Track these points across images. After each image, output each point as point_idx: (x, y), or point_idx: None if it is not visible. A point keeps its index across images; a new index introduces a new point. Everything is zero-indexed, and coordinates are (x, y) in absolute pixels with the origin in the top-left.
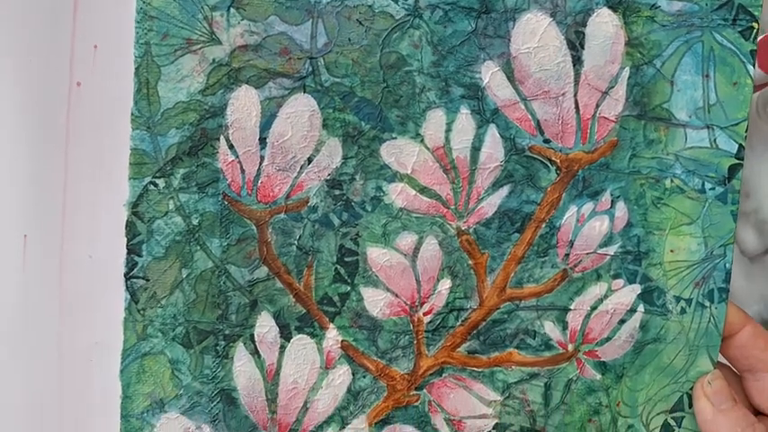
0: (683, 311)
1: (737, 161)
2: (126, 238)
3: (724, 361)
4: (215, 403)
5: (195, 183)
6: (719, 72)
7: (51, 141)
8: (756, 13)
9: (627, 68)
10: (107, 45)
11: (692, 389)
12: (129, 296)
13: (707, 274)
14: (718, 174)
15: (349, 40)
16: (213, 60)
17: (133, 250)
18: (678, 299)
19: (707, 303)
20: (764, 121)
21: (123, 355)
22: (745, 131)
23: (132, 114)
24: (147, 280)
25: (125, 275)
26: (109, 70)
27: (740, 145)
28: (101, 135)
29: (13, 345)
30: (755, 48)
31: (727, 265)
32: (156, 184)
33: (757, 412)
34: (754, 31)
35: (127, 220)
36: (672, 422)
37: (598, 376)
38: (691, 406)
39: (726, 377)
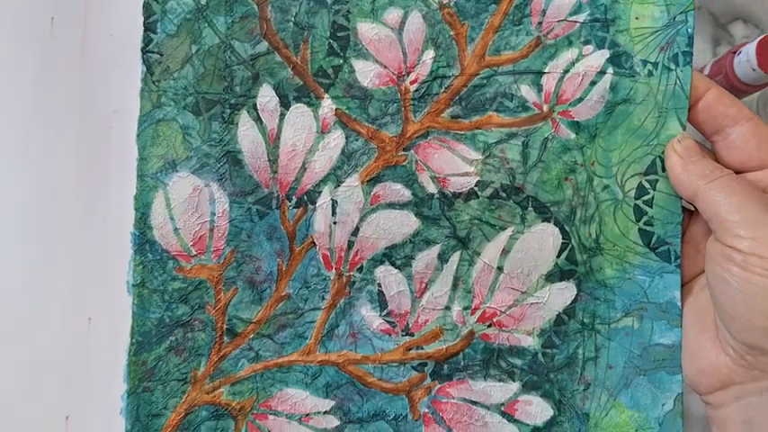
0: (650, 74)
1: None
2: (143, 17)
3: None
4: (222, 164)
5: None
6: None
7: None
8: None
9: None
10: None
11: (663, 152)
12: (145, 69)
13: (671, 39)
14: None
15: None
16: None
17: (149, 28)
18: (645, 62)
19: (672, 66)
20: (765, 121)
21: (139, 122)
22: None
23: None
24: (161, 54)
25: (142, 50)
26: None
27: None
28: None
29: (38, 110)
30: None
31: (689, 30)
32: None
33: None
34: None
35: (144, 1)
36: (646, 184)
37: (572, 135)
38: (664, 170)
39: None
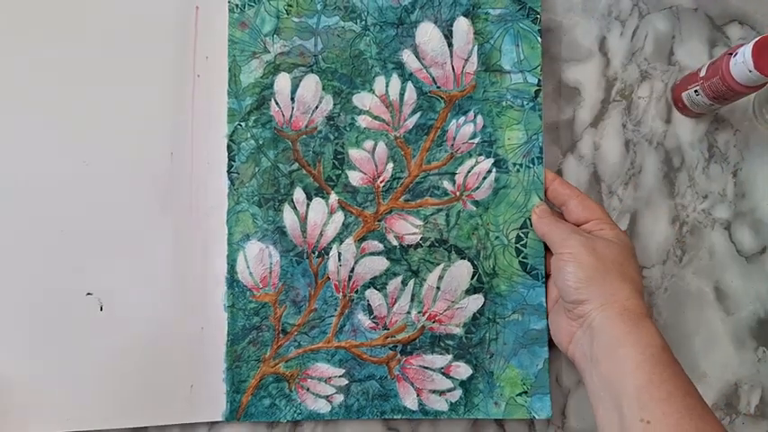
0: (518, 171)
1: (538, 87)
2: (227, 153)
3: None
4: (275, 235)
5: (260, 122)
6: (524, 42)
7: (183, 114)
8: (538, 10)
9: (476, 46)
10: (213, 56)
11: (530, 215)
12: (230, 182)
13: (529, 149)
14: (529, 96)
15: (334, 45)
16: (266, 61)
17: (231, 158)
18: (515, 164)
19: (531, 165)
20: (760, 122)
21: (228, 213)
22: (540, 71)
23: (228, 91)
24: (238, 173)
25: (227, 171)
26: (213, 68)
27: (538, 79)
28: (213, 103)
29: (166, 209)
30: (540, 27)
31: (540, 144)
32: (240, 125)
33: None
34: (539, 19)
35: (227, 144)
36: (522, 235)
37: (474, 208)
38: (530, 225)
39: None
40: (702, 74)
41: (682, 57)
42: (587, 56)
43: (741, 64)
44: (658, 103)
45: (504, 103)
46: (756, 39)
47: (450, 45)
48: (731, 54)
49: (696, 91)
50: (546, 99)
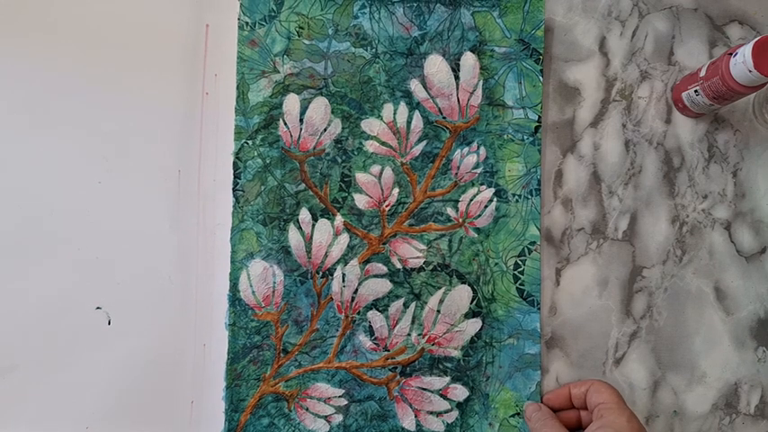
0: (517, 201)
1: (538, 124)
2: (233, 170)
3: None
4: (280, 254)
5: (267, 141)
6: (526, 80)
7: (191, 132)
8: (541, 51)
9: (481, 81)
10: (222, 74)
11: (530, 243)
12: (234, 199)
13: (528, 181)
14: (529, 131)
15: (344, 69)
16: (275, 81)
17: (237, 176)
18: (514, 194)
19: (529, 197)
20: (760, 122)
21: (232, 230)
22: (540, 109)
23: (235, 109)
24: (244, 191)
25: (233, 189)
26: (222, 87)
27: (539, 116)
28: (220, 120)
29: (173, 226)
30: (542, 68)
31: (538, 177)
32: (247, 143)
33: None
34: (541, 59)
35: (234, 161)
36: (519, 262)
37: (476, 235)
38: (530, 252)
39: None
40: (702, 74)
41: (682, 57)
42: (587, 56)
43: (741, 64)
44: (658, 103)
45: (505, 137)
46: (756, 39)
47: (456, 78)
48: (731, 54)
49: (696, 91)
50: (546, 99)
